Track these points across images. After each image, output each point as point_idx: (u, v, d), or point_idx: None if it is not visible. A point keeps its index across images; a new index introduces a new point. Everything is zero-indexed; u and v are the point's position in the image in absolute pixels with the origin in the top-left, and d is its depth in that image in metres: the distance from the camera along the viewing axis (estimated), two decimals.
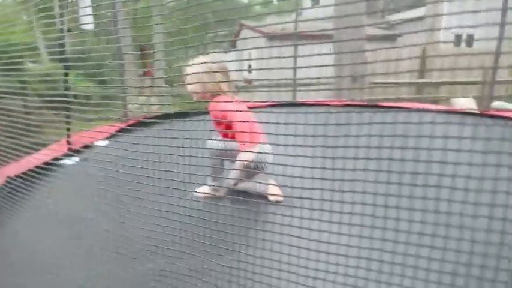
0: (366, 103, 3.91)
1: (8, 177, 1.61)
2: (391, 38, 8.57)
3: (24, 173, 1.57)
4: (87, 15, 1.88)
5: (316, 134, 1.05)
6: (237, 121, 1.50)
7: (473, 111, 3.56)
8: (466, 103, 5.92)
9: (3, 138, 1.70)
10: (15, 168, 1.68)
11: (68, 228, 1.36)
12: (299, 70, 4.01)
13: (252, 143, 1.55)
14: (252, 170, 1.60)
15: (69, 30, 1.74)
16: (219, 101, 1.57)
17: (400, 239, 0.84)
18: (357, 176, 0.91)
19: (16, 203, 1.46)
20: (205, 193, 1.51)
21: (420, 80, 6.39)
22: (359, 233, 0.86)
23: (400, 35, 8.46)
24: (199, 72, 1.54)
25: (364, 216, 0.88)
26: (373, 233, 0.86)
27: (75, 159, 1.94)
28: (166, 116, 2.58)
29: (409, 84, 6.21)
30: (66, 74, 1.81)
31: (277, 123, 1.07)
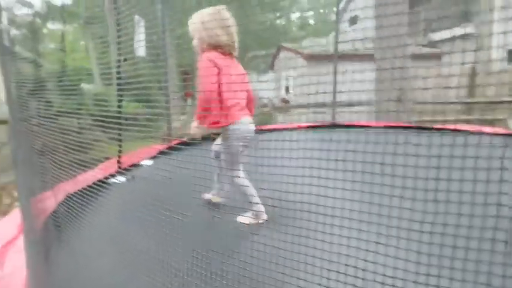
0: (413, 125, 3.70)
1: (67, 194, 1.70)
2: (437, 57, 8.20)
3: (80, 191, 1.65)
4: (141, 42, 2.03)
5: (362, 157, 0.99)
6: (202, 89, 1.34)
7: None
8: None
9: (61, 156, 1.83)
10: (72, 185, 1.78)
11: (118, 247, 1.39)
12: (340, 91, 3.94)
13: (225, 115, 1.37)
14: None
15: (125, 60, 1.87)
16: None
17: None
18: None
19: (73, 220, 1.53)
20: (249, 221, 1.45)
21: (474, 100, 5.96)
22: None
23: (446, 53, 8.06)
24: (195, 24, 1.45)
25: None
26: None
27: (124, 178, 2.03)
28: (207, 138, 2.62)
29: (460, 103, 5.81)
30: (120, 97, 1.93)
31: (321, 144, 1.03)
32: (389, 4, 4.00)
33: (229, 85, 1.42)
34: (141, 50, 2.09)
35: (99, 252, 1.37)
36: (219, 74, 1.40)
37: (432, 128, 3.40)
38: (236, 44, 1.50)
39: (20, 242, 1.31)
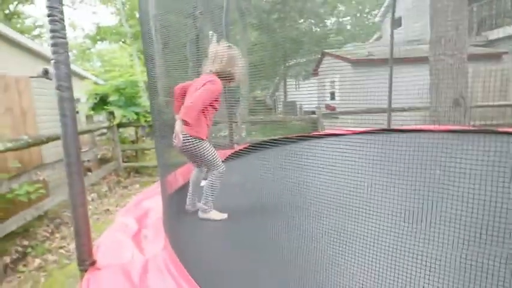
0: (474, 128, 3.55)
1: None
2: (496, 57, 7.71)
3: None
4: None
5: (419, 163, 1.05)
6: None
7: None
8: None
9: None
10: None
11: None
12: (393, 96, 3.90)
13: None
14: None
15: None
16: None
17: None
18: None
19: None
20: None
21: None
22: None
23: (505, 53, 7.56)
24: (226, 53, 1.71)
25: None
26: None
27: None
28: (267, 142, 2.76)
29: None
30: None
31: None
32: (446, 2, 3.90)
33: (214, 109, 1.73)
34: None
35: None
36: (216, 100, 1.71)
37: (497, 132, 3.24)
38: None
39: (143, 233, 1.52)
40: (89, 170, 5.57)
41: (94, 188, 5.13)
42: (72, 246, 3.28)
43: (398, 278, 0.96)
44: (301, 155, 1.75)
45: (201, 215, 1.73)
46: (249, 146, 2.83)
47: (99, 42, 18.59)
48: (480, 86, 5.26)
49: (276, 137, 2.72)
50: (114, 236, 1.50)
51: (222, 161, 1.78)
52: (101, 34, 17.61)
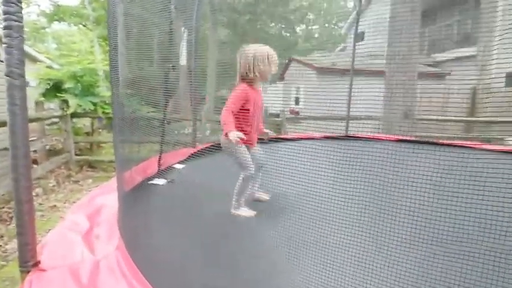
0: (419, 139, 3.89)
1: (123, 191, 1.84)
2: (441, 76, 8.49)
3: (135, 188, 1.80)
4: (184, 52, 2.21)
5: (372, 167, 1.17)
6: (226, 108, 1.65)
7: None
8: None
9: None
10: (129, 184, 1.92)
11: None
12: (352, 104, 4.13)
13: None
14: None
15: (173, 67, 2.04)
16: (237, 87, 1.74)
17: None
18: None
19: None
20: None
21: (479, 118, 6.22)
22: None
23: (449, 73, 8.37)
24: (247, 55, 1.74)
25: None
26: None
27: (164, 181, 2.17)
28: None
29: (462, 122, 6.04)
30: (166, 101, 2.09)
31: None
32: (403, 24, 4.24)
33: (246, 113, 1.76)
34: (183, 59, 2.27)
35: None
36: (245, 103, 1.75)
37: (438, 143, 3.58)
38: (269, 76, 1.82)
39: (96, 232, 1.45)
40: (35, 162, 5.13)
41: (40, 182, 4.74)
42: (10, 246, 3.01)
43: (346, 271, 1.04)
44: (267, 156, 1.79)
45: (232, 210, 1.79)
46: (212, 145, 2.83)
47: (56, 23, 17.10)
48: (426, 101, 5.78)
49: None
50: (63, 234, 1.42)
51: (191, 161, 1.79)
52: (59, 14, 16.20)
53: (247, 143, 1.76)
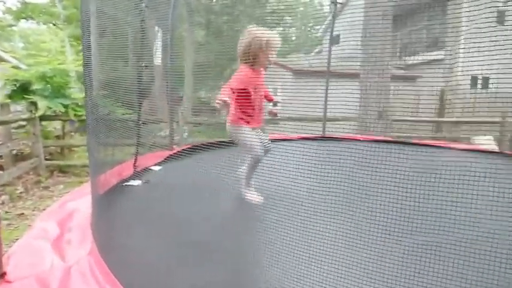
0: (393, 139, 4.04)
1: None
2: (412, 79, 8.87)
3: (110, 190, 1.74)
4: (159, 51, 2.17)
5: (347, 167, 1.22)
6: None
7: (495, 151, 3.66)
8: (487, 142, 5.98)
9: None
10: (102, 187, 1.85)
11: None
12: (328, 106, 4.22)
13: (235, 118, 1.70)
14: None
15: (146, 67, 2.00)
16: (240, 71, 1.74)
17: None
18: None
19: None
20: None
21: (447, 119, 6.54)
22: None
23: (420, 76, 8.76)
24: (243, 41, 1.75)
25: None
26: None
27: (139, 182, 2.12)
28: (208, 145, 2.78)
29: (432, 122, 6.34)
30: (140, 102, 2.05)
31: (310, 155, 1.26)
32: (375, 28, 4.39)
33: (247, 94, 1.75)
34: (158, 59, 2.23)
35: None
36: (246, 85, 1.73)
37: (410, 143, 3.74)
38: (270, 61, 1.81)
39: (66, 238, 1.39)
40: (1, 167, 4.84)
41: (6, 189, 4.47)
42: None
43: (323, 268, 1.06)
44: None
45: (244, 194, 1.82)
46: (190, 147, 2.80)
47: (23, 21, 16.24)
48: (399, 103, 6.02)
49: (213, 140, 2.74)
50: (31, 243, 1.35)
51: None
52: (27, 11, 15.39)
53: (251, 125, 1.78)
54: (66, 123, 6.09)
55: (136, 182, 2.09)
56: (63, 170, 5.61)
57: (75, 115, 5.42)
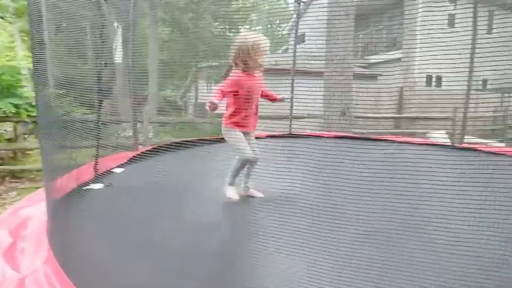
0: (356, 135, 4.23)
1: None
2: (373, 77, 9.31)
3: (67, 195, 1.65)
4: (119, 49, 2.07)
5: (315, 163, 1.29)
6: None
7: (448, 144, 3.97)
8: (440, 137, 6.46)
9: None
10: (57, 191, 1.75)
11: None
12: (294, 103, 4.31)
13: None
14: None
15: (105, 64, 1.91)
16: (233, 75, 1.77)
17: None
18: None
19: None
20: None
21: (404, 115, 6.95)
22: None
23: (381, 74, 9.22)
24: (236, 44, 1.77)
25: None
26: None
27: (101, 185, 2.02)
28: (174, 144, 2.73)
29: (392, 118, 6.72)
30: (100, 102, 1.95)
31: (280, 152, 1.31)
32: (338, 28, 4.55)
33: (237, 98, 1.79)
34: (118, 57, 2.14)
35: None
36: (238, 89, 1.77)
37: (371, 139, 3.94)
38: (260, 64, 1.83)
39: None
40: None
41: None
42: None
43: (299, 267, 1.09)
44: (207, 158, 1.79)
45: (223, 188, 1.85)
46: (154, 147, 2.72)
47: None
48: (361, 100, 6.31)
49: (180, 140, 2.68)
50: None
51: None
52: None
53: (243, 128, 1.80)
54: (18, 125, 5.65)
55: (97, 186, 2.00)
56: (16, 176, 5.21)
57: (28, 116, 5.04)
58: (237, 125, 1.82)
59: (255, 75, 1.84)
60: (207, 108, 1.65)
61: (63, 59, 2.08)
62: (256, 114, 1.89)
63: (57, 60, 2.00)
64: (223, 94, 1.73)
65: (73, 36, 2.02)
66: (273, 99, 1.99)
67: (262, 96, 1.93)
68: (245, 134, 1.84)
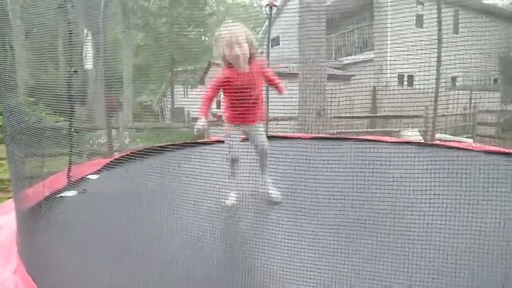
0: (332, 136, 4.35)
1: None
2: (347, 78, 9.59)
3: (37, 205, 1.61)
4: (89, 55, 2.05)
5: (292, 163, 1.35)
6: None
7: (421, 142, 4.17)
8: (413, 135, 6.75)
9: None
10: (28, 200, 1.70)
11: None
12: (270, 106, 4.38)
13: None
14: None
15: (75, 71, 1.89)
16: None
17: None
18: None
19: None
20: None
21: (378, 114, 7.18)
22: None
23: (353, 75, 9.52)
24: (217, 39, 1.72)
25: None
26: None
27: (74, 192, 1.98)
28: (149, 150, 2.73)
29: (366, 118, 6.94)
30: (72, 109, 1.92)
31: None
32: (310, 31, 4.68)
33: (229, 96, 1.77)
34: (89, 63, 2.11)
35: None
36: (227, 86, 1.73)
37: (347, 138, 4.07)
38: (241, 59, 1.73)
39: None
40: None
41: None
42: None
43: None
44: (186, 162, 1.80)
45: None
46: (131, 153, 2.70)
47: None
48: (335, 101, 6.49)
49: (157, 145, 2.67)
50: None
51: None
52: None
53: (238, 122, 1.76)
54: None
55: (71, 193, 1.96)
56: None
57: None
58: (231, 119, 1.78)
59: (246, 70, 1.74)
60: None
61: (31, 66, 2.03)
62: (255, 105, 1.77)
63: (24, 66, 1.95)
64: (210, 97, 1.70)
65: (40, 42, 1.98)
66: (278, 90, 1.87)
67: (269, 83, 1.86)
68: (245, 127, 1.79)
